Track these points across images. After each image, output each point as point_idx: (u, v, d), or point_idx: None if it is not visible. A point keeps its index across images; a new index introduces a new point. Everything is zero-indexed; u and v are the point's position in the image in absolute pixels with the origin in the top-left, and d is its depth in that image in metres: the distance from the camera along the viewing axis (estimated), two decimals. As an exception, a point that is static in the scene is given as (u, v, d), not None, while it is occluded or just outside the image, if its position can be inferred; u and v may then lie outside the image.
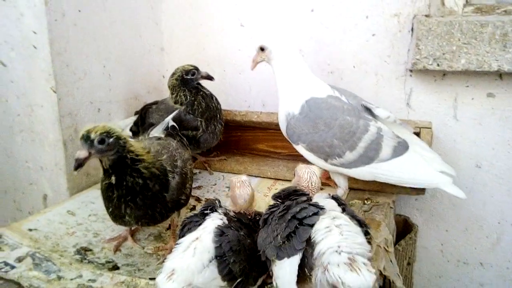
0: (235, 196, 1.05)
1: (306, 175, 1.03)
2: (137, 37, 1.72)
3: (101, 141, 0.95)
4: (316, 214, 0.89)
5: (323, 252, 0.81)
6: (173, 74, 1.47)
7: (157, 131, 1.31)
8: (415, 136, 1.34)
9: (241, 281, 0.93)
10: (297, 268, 0.83)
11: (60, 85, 1.38)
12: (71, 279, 1.02)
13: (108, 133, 0.96)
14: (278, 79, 1.30)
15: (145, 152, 1.05)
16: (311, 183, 1.04)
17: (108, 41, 1.56)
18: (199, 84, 1.48)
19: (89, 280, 1.02)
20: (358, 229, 0.89)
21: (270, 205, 1.00)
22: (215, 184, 1.59)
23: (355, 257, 0.78)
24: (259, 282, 1.00)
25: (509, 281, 1.56)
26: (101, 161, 1.00)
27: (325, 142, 1.23)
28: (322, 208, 0.91)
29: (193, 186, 1.56)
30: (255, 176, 1.61)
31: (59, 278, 1.02)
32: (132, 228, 1.23)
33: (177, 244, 0.95)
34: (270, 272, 0.91)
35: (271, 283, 1.02)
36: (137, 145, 1.05)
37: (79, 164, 0.93)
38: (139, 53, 1.73)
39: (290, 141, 1.32)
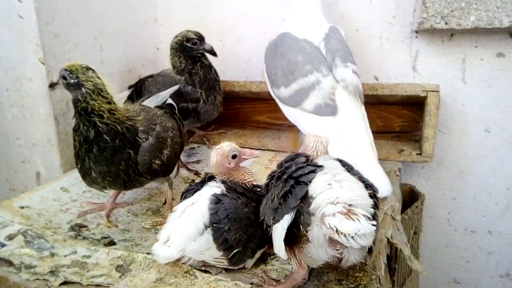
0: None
1: (312, 144, 0.96)
2: (130, 7, 1.64)
3: (63, 77, 0.99)
4: (313, 172, 0.83)
5: (319, 205, 0.76)
6: (176, 36, 1.40)
7: (149, 103, 1.25)
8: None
9: (237, 252, 0.90)
10: (287, 225, 0.78)
11: (49, 56, 1.32)
12: (65, 256, 0.98)
13: (71, 73, 0.98)
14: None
15: (107, 108, 1.01)
16: (316, 152, 0.98)
17: (99, 11, 1.49)
18: (201, 54, 1.40)
19: (84, 256, 0.98)
20: (360, 184, 0.83)
21: (272, 171, 0.95)
22: (214, 158, 1.53)
23: (353, 208, 0.73)
24: (257, 255, 0.96)
25: (519, 249, 1.52)
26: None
27: (274, 69, 1.28)
28: (320, 166, 0.86)
29: (192, 160, 1.53)
30: (256, 148, 1.56)
31: (52, 255, 0.98)
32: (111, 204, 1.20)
33: (173, 210, 0.92)
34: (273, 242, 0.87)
35: (274, 255, 0.99)
36: (106, 105, 1.01)
37: (50, 85, 1.03)
38: (132, 24, 1.66)
39: None
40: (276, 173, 0.90)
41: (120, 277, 0.90)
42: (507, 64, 1.35)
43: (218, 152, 0.99)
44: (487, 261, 1.58)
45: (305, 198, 0.80)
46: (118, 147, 1.02)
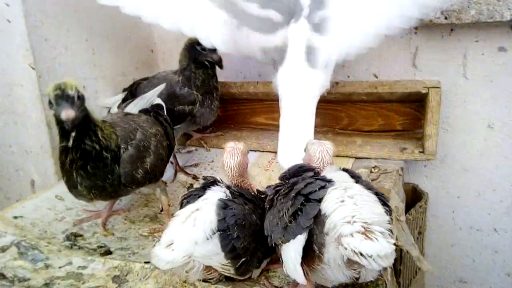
0: (222, 163, 0.95)
1: (318, 154, 0.92)
2: (122, 8, 1.61)
3: (80, 97, 0.89)
4: (323, 187, 0.79)
5: (334, 225, 0.71)
6: (189, 38, 1.37)
7: (134, 106, 1.22)
8: None
9: (245, 261, 0.85)
10: (302, 247, 0.74)
11: (39, 61, 1.28)
12: (60, 267, 0.95)
13: (77, 89, 0.90)
14: None
15: (100, 121, 1.00)
16: (323, 163, 0.92)
17: (89, 13, 1.45)
18: (208, 61, 1.36)
19: (79, 267, 0.95)
20: (374, 198, 0.79)
21: (276, 184, 0.91)
22: (213, 161, 1.50)
23: (371, 226, 0.69)
24: (263, 265, 0.92)
25: (525, 246, 1.49)
26: (61, 121, 0.90)
27: None
28: (330, 181, 0.81)
29: (190, 164, 1.49)
30: (255, 150, 1.53)
31: (47, 266, 0.95)
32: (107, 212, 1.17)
33: (175, 216, 0.87)
34: (280, 259, 0.82)
35: (274, 271, 0.95)
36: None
37: (74, 124, 0.88)
38: (124, 26, 1.62)
39: None
40: (283, 189, 0.86)
41: (117, 288, 0.87)
42: (509, 58, 1.32)
43: (236, 152, 0.94)
44: (493, 259, 1.55)
45: (317, 217, 0.75)
46: (108, 162, 0.99)
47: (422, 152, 1.33)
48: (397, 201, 1.13)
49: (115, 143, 1.01)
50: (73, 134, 0.92)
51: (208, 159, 1.52)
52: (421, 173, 1.53)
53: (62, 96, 0.87)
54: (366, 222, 0.69)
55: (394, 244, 0.79)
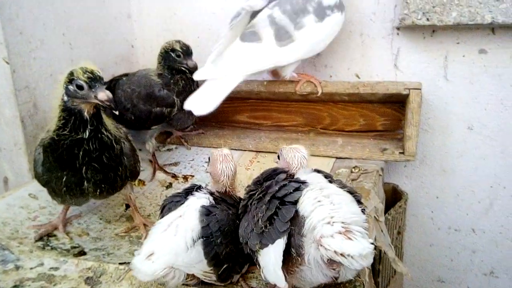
0: (217, 173, 0.94)
1: (297, 161, 0.91)
2: (101, 2, 1.57)
3: (79, 87, 0.87)
4: (298, 189, 0.78)
5: (314, 226, 0.71)
6: (167, 42, 1.34)
7: None
8: None
9: (227, 267, 0.84)
10: (282, 252, 0.73)
11: (14, 55, 1.23)
12: (31, 268, 0.92)
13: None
14: None
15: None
16: (302, 168, 0.91)
17: (67, 6, 1.40)
18: (184, 67, 1.32)
19: (51, 268, 0.92)
20: (350, 197, 0.79)
21: (249, 189, 0.90)
22: (193, 160, 1.48)
23: (350, 226, 0.69)
24: (244, 270, 0.91)
25: (502, 246, 1.51)
26: (80, 111, 0.88)
27: None
28: (304, 182, 0.81)
29: (169, 162, 1.47)
30: (236, 149, 1.51)
31: (17, 268, 0.92)
32: (66, 216, 1.12)
33: (157, 224, 0.85)
34: (257, 265, 0.81)
35: (252, 272, 0.94)
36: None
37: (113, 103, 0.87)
38: (103, 20, 1.59)
39: None
40: (256, 194, 0.84)
41: (89, 290, 0.84)
42: (489, 60, 1.33)
43: (230, 159, 0.94)
44: (471, 259, 1.57)
45: (294, 219, 0.75)
46: (119, 153, 0.98)
47: (402, 153, 1.33)
48: (377, 201, 1.12)
49: (120, 135, 1.01)
50: (87, 130, 0.89)
51: (188, 158, 1.49)
52: (401, 173, 1.53)
53: (95, 78, 0.86)
54: (345, 223, 0.69)
55: (372, 244, 0.79)
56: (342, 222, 0.70)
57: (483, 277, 1.58)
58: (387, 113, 1.45)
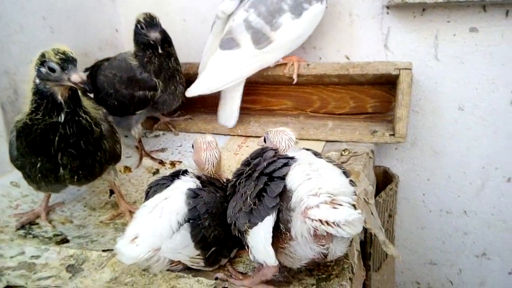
0: (201, 160, 0.92)
1: (284, 143, 0.89)
2: (83, -15, 1.52)
3: (51, 69, 0.83)
4: (286, 164, 0.77)
5: (301, 198, 0.71)
6: None
7: None
8: None
9: (215, 251, 0.82)
10: (271, 228, 0.72)
11: (-9, 40, 1.20)
12: (11, 257, 0.89)
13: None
14: None
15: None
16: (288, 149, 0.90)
17: (46, -12, 1.36)
18: (151, 41, 1.22)
19: (32, 256, 0.90)
20: (338, 170, 0.79)
21: (237, 170, 0.88)
22: (181, 146, 1.45)
23: (337, 197, 0.69)
24: (232, 254, 0.89)
25: (494, 228, 1.50)
26: (52, 94, 0.84)
27: None
28: (292, 158, 0.80)
29: (156, 148, 1.44)
30: (224, 135, 1.49)
31: (-3, 256, 0.89)
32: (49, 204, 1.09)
33: (141, 207, 0.83)
34: (246, 246, 0.79)
35: (240, 257, 0.92)
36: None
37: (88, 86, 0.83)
38: (86, 4, 1.54)
39: None
40: (245, 172, 0.82)
41: (70, 278, 0.82)
42: (480, 39, 1.30)
43: (214, 146, 0.93)
44: (463, 241, 1.56)
45: (283, 194, 0.74)
46: (98, 136, 0.94)
47: (393, 135, 1.31)
48: (366, 183, 1.11)
49: (100, 117, 0.97)
50: (62, 114, 0.85)
51: (176, 144, 1.47)
52: (392, 156, 1.51)
53: (67, 60, 0.82)
54: (332, 193, 0.69)
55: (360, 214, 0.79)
56: (329, 193, 0.69)
57: (475, 259, 1.58)
58: (378, 95, 1.42)
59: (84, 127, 0.89)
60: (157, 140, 1.50)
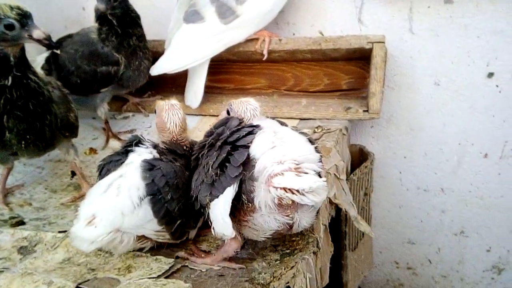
0: (163, 121, 0.88)
1: (249, 113, 0.85)
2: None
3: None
4: (251, 133, 0.74)
5: (264, 167, 0.68)
6: None
7: None
8: None
9: (180, 223, 0.78)
10: (231, 199, 0.69)
11: None
12: (-38, 241, 0.85)
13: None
14: None
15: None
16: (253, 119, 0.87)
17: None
18: (108, 15, 1.20)
19: (-16, 239, 0.85)
20: (304, 138, 0.76)
21: (200, 141, 0.84)
22: (150, 127, 1.41)
23: (302, 164, 0.67)
24: (199, 224, 0.85)
25: (471, 205, 1.49)
26: (5, 55, 0.79)
27: None
28: (257, 126, 0.76)
29: (125, 130, 1.39)
30: (196, 115, 1.44)
31: None
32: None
33: (94, 186, 0.78)
34: (208, 221, 0.75)
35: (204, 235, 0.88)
36: None
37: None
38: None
39: None
40: (208, 142, 0.79)
41: (20, 259, 0.78)
42: (455, 11, 1.27)
43: (176, 107, 0.90)
44: (440, 219, 1.55)
45: (246, 164, 0.70)
46: (46, 100, 0.88)
47: (367, 111, 1.28)
48: (337, 159, 1.07)
49: (52, 84, 0.93)
50: (10, 77, 0.81)
51: (145, 125, 1.42)
52: (368, 134, 1.48)
53: (25, 15, 0.77)
54: (297, 161, 0.67)
55: (330, 202, 0.77)
56: (294, 160, 0.67)
57: (454, 237, 1.56)
58: (352, 71, 1.39)
59: (33, 89, 0.84)
60: (126, 122, 1.45)
